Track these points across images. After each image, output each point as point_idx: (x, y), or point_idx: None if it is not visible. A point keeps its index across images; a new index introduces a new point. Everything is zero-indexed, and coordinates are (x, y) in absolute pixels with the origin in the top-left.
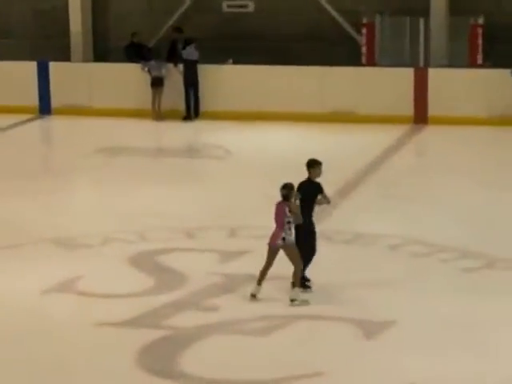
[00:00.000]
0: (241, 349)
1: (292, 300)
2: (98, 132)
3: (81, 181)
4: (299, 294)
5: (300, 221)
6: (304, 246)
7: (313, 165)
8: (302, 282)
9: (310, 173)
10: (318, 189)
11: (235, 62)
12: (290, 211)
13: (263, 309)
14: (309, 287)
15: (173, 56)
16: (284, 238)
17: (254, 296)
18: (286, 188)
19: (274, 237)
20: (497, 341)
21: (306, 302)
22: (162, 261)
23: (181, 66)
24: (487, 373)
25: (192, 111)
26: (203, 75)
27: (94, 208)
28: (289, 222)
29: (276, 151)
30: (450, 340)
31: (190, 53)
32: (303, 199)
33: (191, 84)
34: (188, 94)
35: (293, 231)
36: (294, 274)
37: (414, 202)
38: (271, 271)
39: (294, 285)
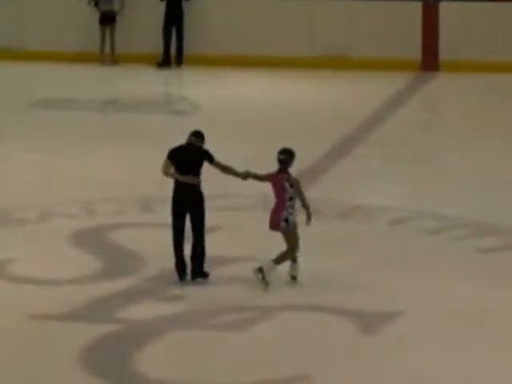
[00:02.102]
0: (209, 346)
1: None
2: (33, 80)
3: (12, 142)
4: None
5: (307, 208)
6: None
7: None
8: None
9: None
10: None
11: None
12: (291, 186)
13: (238, 298)
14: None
15: None
16: (287, 220)
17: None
18: (286, 153)
19: (274, 218)
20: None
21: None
22: (112, 239)
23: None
24: (502, 368)
25: (170, 56)
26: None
27: (29, 175)
28: (291, 199)
29: (252, 102)
30: (462, 333)
31: None
32: None
33: (173, 21)
34: (168, 34)
35: (295, 210)
36: (283, 254)
37: (421, 166)
38: (248, 252)
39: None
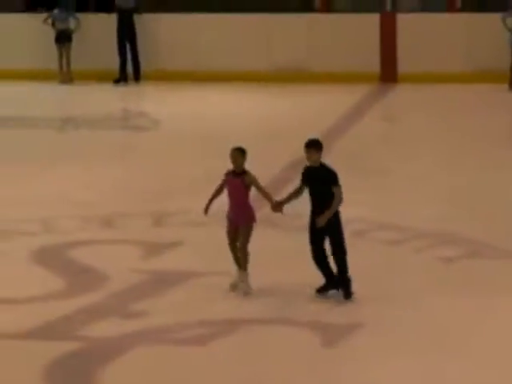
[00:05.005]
0: (172, 361)
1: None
2: None
3: None
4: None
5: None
6: None
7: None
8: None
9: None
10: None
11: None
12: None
13: (200, 313)
14: None
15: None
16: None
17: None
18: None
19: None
20: (480, 343)
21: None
22: (74, 256)
23: (114, 16)
24: (469, 378)
25: (126, 72)
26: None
27: None
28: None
29: (211, 117)
30: (425, 343)
31: None
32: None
33: (126, 38)
34: (123, 50)
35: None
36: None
37: (382, 177)
38: (207, 267)
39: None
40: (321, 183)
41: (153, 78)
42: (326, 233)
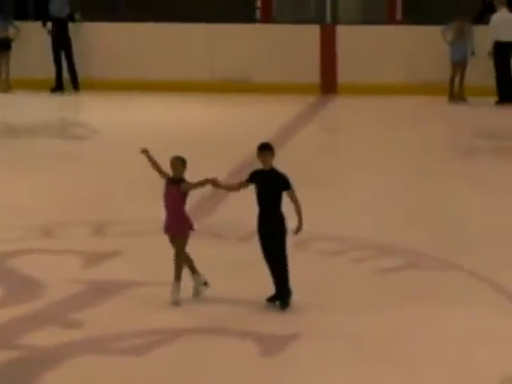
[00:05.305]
0: (111, 371)
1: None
2: None
3: None
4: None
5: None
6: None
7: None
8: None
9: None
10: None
11: (98, 18)
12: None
13: (139, 323)
14: None
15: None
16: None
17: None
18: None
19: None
20: (416, 353)
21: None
22: (11, 266)
23: (49, 25)
24: None
25: (63, 81)
26: (75, 36)
27: None
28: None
29: (152, 127)
30: (362, 352)
31: (58, 8)
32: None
33: (61, 47)
34: (58, 59)
35: None
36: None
37: (322, 188)
38: (147, 277)
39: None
40: (272, 186)
41: (92, 88)
42: (272, 238)
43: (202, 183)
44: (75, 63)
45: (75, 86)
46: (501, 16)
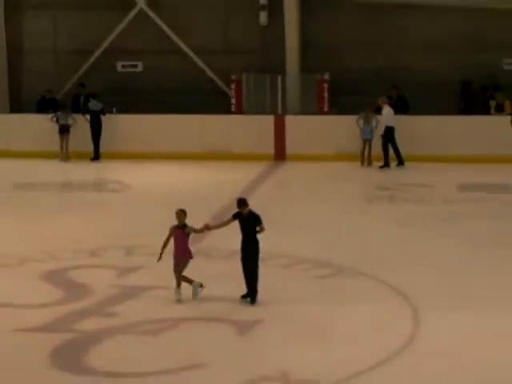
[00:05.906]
0: (136, 346)
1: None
2: (16, 171)
3: (1, 211)
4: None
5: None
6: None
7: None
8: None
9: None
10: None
11: (124, 111)
12: (187, 234)
13: (154, 314)
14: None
15: (77, 107)
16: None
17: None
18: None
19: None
20: (341, 334)
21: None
22: (70, 276)
23: (88, 117)
24: (331, 358)
25: (99, 153)
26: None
27: (11, 234)
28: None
29: (163, 184)
30: (313, 334)
31: (95, 104)
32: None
33: (96, 131)
34: (95, 138)
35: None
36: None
37: (278, 224)
38: (155, 283)
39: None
40: (250, 224)
41: (114, 157)
42: (250, 256)
43: (200, 230)
44: (100, 141)
45: (96, 156)
46: (386, 111)
